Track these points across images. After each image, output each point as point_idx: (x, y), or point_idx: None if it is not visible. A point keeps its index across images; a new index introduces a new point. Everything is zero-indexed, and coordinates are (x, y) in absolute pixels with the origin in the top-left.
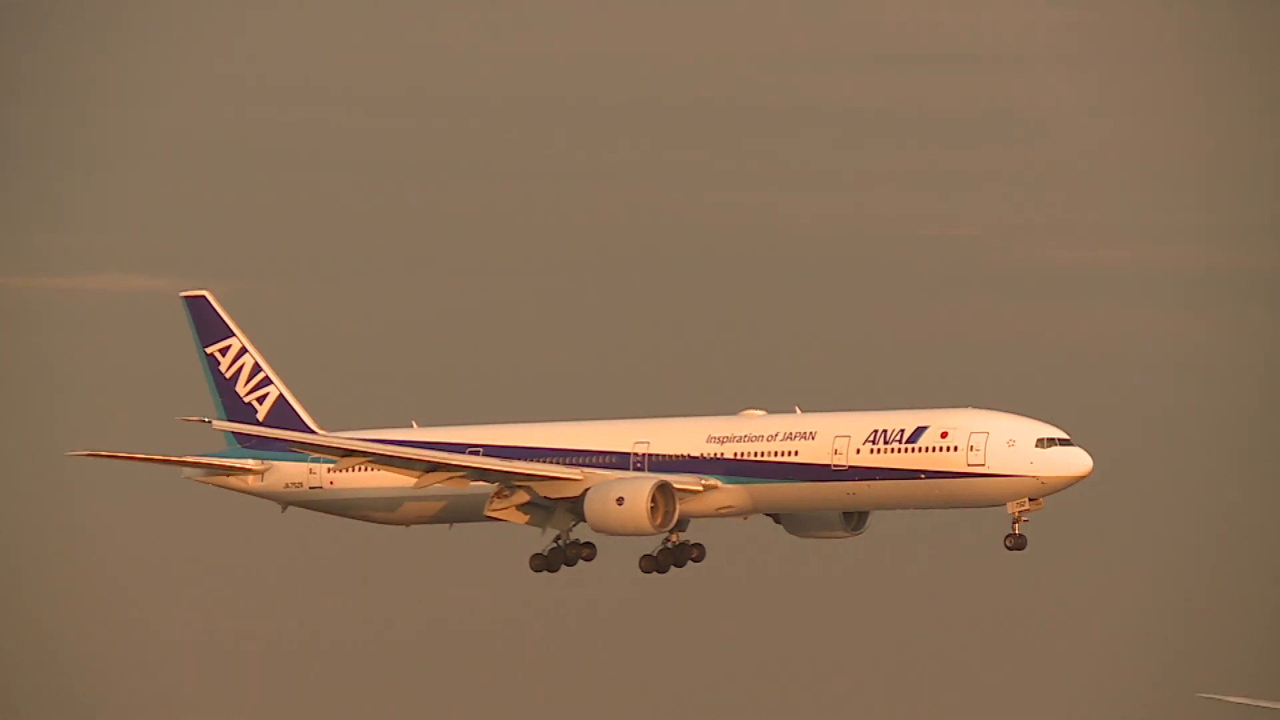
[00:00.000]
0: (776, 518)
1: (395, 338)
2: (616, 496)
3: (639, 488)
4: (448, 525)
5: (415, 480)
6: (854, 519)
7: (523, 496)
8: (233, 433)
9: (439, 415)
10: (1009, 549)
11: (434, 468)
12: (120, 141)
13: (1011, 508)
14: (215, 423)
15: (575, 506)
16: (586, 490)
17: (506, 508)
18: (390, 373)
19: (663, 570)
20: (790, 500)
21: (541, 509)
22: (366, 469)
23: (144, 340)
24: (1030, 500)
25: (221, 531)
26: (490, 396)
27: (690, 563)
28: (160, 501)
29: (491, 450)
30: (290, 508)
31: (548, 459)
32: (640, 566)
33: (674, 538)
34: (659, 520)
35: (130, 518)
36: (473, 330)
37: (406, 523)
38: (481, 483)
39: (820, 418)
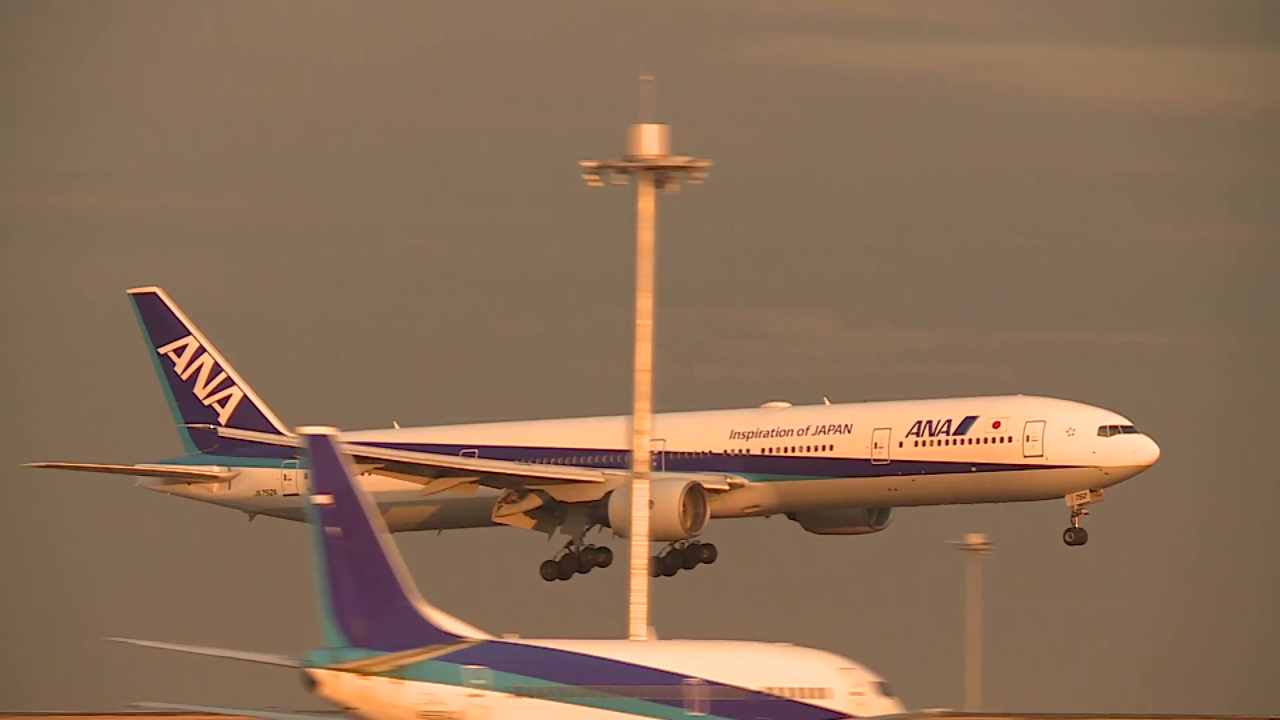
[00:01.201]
0: (792, 514)
1: (362, 332)
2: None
3: (669, 489)
4: (437, 531)
5: (422, 486)
6: (875, 513)
7: (534, 501)
8: (193, 438)
9: (419, 414)
10: (1069, 544)
11: (451, 473)
12: (82, 126)
13: (1071, 500)
14: (221, 430)
15: (594, 510)
16: (609, 493)
17: (514, 513)
18: (359, 370)
19: (670, 573)
20: (824, 497)
21: (550, 514)
22: (368, 473)
23: (94, 341)
24: (1091, 492)
25: (192, 542)
26: (475, 394)
27: (701, 565)
28: (117, 513)
29: (488, 451)
30: (258, 516)
31: (550, 459)
32: (647, 570)
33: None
34: (689, 523)
35: (91, 529)
36: (451, 322)
37: (391, 530)
38: (485, 487)
39: (856, 409)
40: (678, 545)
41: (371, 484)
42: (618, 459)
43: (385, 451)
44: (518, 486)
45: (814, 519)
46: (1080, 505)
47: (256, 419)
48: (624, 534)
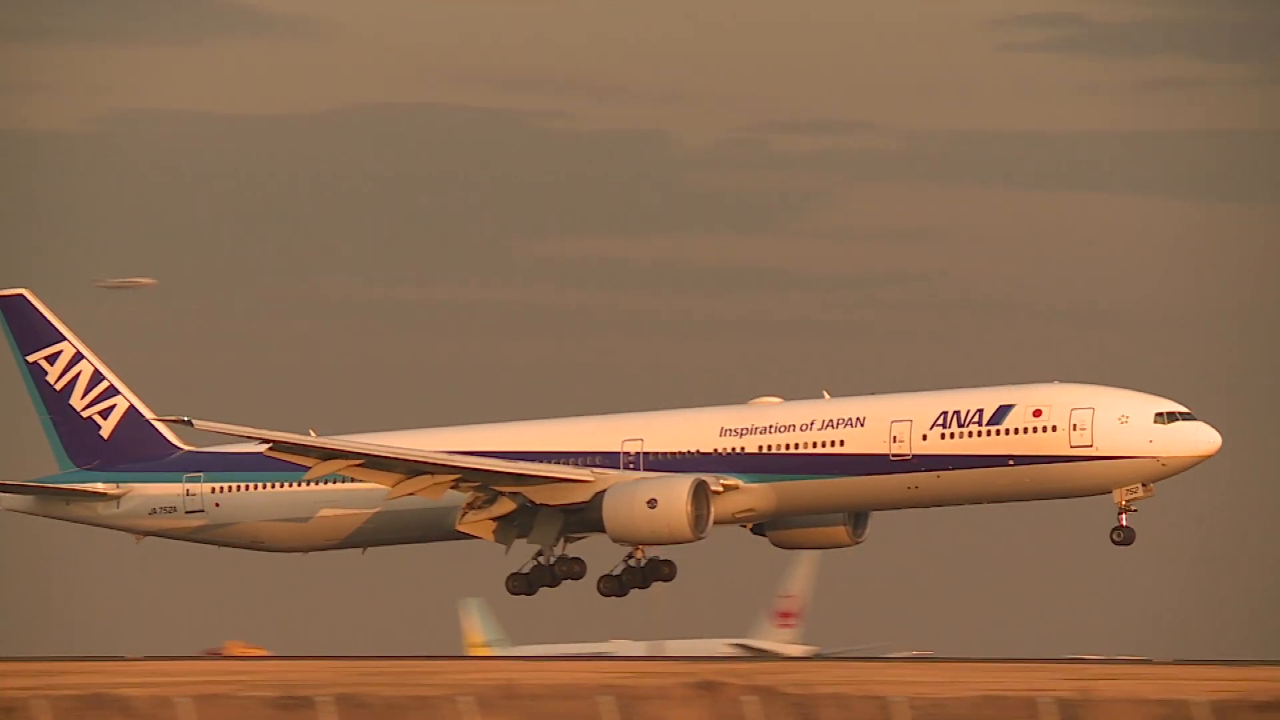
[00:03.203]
0: (759, 528)
1: (260, 328)
2: (647, 499)
3: (675, 487)
4: (360, 550)
5: (392, 487)
6: (855, 524)
7: (507, 505)
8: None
9: (336, 423)
10: (1116, 544)
11: (430, 469)
12: None
13: (1119, 496)
14: (197, 423)
15: (577, 514)
16: (599, 494)
17: (481, 519)
18: (258, 374)
19: (622, 593)
20: (831, 499)
21: (517, 521)
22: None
23: None
24: (1143, 486)
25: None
26: (388, 399)
27: (659, 583)
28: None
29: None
30: (147, 537)
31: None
32: (599, 588)
33: (639, 553)
34: (694, 524)
35: None
36: (367, 321)
37: (305, 549)
38: (408, 498)
39: (869, 401)
40: (633, 560)
41: (285, 497)
42: (597, 462)
43: (360, 444)
44: (487, 488)
45: (782, 533)
46: (1128, 501)
47: (146, 432)
48: (622, 538)
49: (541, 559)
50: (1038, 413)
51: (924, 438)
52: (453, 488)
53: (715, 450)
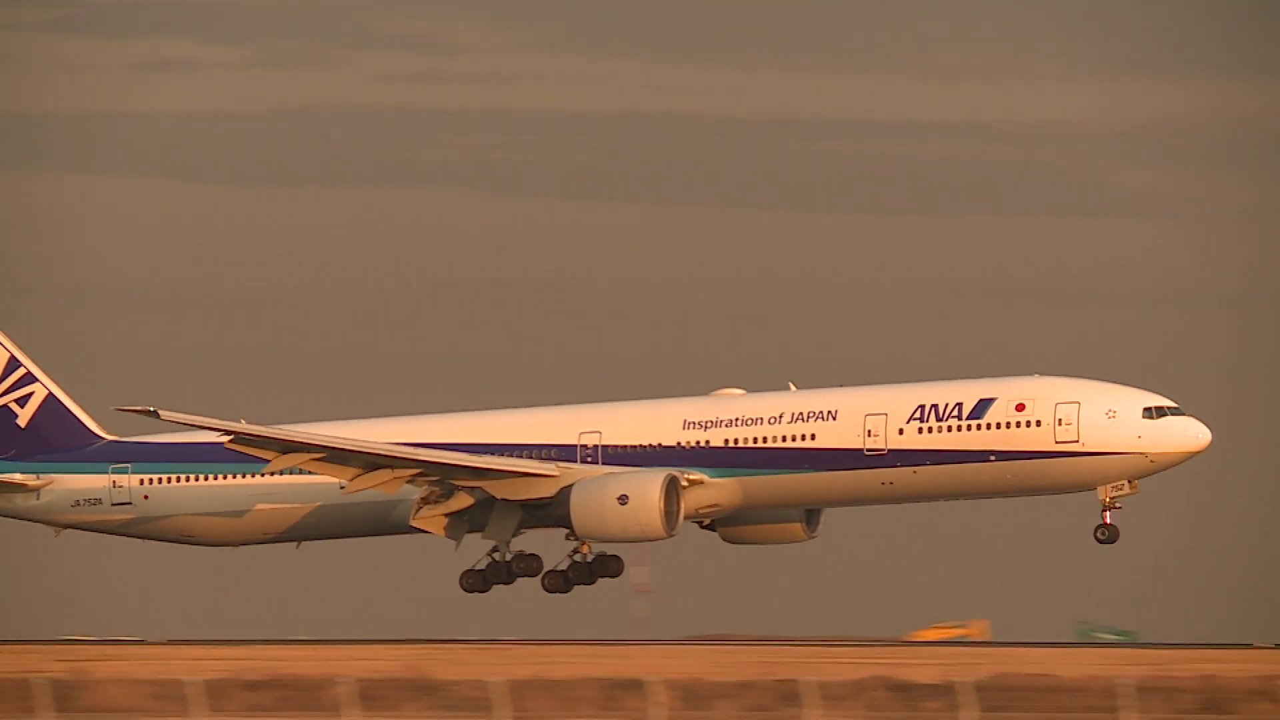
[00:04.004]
0: (710, 523)
1: (186, 314)
2: (618, 494)
3: (647, 481)
4: (295, 544)
5: (349, 481)
6: (810, 520)
7: (464, 500)
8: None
9: (267, 412)
10: (1100, 542)
11: (392, 463)
12: None
13: (1103, 493)
14: (163, 414)
15: (539, 510)
16: (565, 489)
17: (436, 515)
18: (189, 363)
19: (566, 589)
20: (800, 494)
21: (469, 516)
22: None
23: None
24: (1129, 483)
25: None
26: (328, 385)
27: (606, 579)
28: None
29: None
30: (68, 530)
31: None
32: (543, 585)
33: (586, 548)
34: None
35: None
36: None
37: (235, 543)
38: (350, 491)
39: (841, 393)
40: (580, 556)
41: (216, 489)
42: (553, 455)
43: (325, 437)
44: (445, 482)
45: (734, 527)
46: (1113, 498)
47: (66, 421)
48: (590, 535)
49: (497, 555)
50: (1020, 407)
51: (900, 432)
52: (409, 481)
53: (679, 443)
